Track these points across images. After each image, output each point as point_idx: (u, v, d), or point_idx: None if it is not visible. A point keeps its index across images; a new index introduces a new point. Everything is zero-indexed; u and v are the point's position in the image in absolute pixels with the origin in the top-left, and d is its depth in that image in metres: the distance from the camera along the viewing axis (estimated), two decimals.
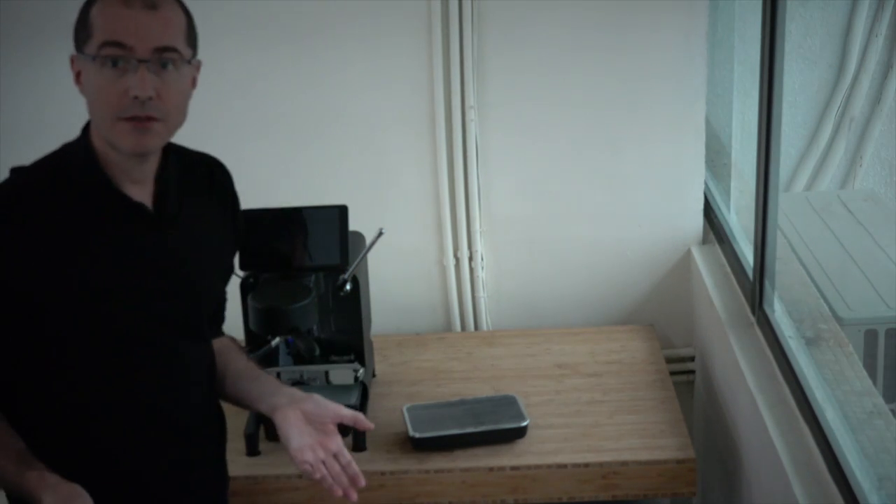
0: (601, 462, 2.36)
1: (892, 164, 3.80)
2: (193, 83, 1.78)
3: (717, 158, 3.10)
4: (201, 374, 1.91)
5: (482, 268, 2.99)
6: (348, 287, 2.45)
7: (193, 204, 1.85)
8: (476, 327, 3.03)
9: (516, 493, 2.36)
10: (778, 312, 2.39)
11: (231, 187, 1.97)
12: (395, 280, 2.96)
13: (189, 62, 1.74)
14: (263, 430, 2.42)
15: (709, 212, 2.97)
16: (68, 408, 1.79)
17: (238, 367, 1.98)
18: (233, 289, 2.45)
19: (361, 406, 2.46)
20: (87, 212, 1.74)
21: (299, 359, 2.50)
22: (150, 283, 1.79)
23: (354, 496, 1.88)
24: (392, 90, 2.88)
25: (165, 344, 1.83)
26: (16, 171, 1.77)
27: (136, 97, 1.68)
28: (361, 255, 2.50)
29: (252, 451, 2.41)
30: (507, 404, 2.49)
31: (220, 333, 2.04)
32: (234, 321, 2.55)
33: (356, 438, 2.41)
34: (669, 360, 2.86)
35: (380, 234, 2.47)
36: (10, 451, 1.72)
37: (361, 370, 2.50)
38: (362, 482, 1.88)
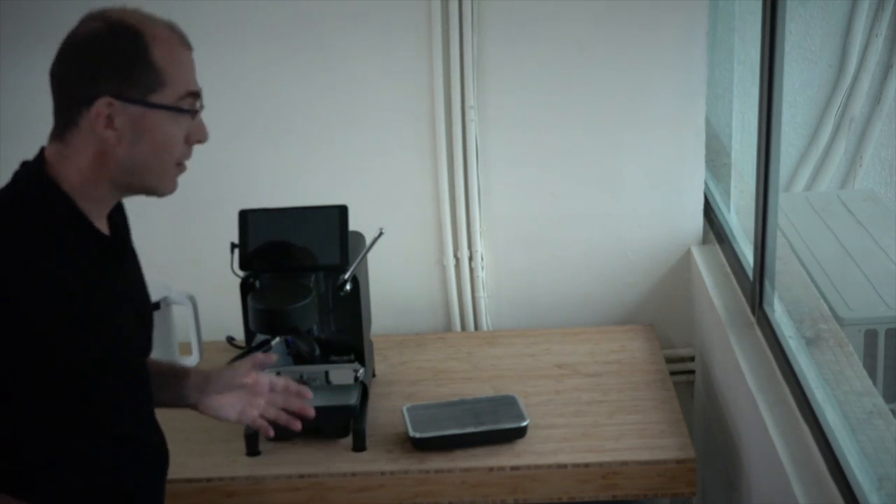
0: (601, 462, 2.36)
1: (892, 164, 3.80)
2: None
3: (717, 158, 3.10)
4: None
5: (482, 268, 2.99)
6: (348, 287, 2.45)
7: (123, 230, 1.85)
8: (476, 327, 3.03)
9: (516, 493, 2.36)
10: (778, 312, 2.39)
11: (123, 208, 1.88)
12: (395, 280, 2.96)
13: None
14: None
15: (709, 212, 2.97)
16: (53, 443, 1.70)
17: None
18: (233, 289, 2.46)
19: (361, 406, 2.46)
20: (72, 253, 1.67)
21: (299, 359, 2.49)
22: (126, 314, 1.78)
23: (312, 412, 2.03)
24: (392, 90, 2.88)
25: (135, 369, 1.81)
26: None
27: (198, 142, 1.71)
28: (361, 255, 2.50)
29: (252, 451, 2.41)
30: (507, 404, 2.49)
31: None
32: (234, 321, 2.57)
33: (356, 439, 2.41)
34: (669, 360, 2.86)
35: (380, 234, 2.47)
36: None
37: (361, 370, 2.50)
38: (309, 395, 2.04)
